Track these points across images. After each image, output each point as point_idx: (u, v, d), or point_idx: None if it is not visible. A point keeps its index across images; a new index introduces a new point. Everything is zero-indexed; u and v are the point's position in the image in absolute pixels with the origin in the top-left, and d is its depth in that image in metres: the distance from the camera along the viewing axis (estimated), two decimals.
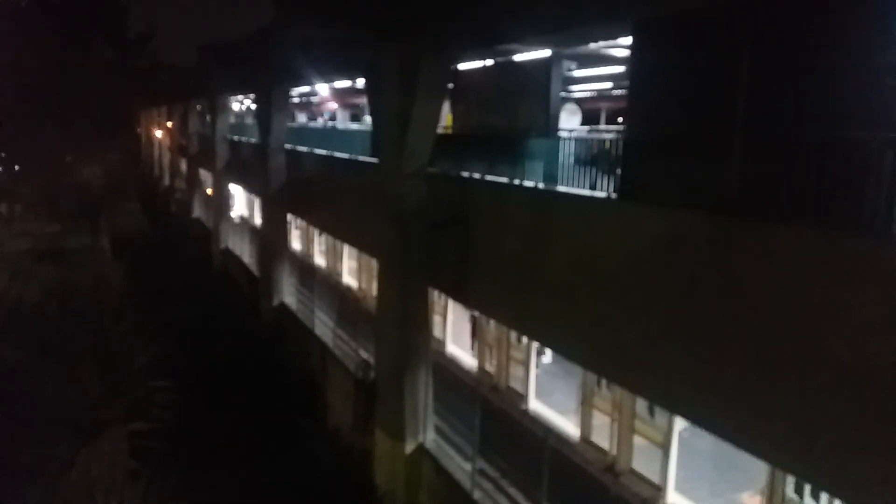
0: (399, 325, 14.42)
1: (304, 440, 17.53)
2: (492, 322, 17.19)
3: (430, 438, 14.51)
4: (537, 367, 16.49)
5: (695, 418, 9.00)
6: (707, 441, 9.50)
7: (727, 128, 8.17)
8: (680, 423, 11.62)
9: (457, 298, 15.98)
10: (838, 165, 7.01)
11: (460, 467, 13.36)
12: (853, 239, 6.65)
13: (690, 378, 8.49)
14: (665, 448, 12.17)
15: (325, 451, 17.16)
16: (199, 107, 46.43)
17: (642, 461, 12.79)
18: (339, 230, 22.77)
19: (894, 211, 6.47)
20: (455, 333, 19.97)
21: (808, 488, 10.25)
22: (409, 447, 14.33)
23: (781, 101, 7.80)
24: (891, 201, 6.47)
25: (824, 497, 9.78)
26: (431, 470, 13.92)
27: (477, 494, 12.38)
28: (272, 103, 25.04)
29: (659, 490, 12.16)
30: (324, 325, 21.72)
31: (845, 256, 6.70)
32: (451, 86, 15.67)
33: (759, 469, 10.85)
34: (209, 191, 42.26)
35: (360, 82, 22.97)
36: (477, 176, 13.65)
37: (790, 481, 10.25)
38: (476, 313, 17.88)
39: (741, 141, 8.04)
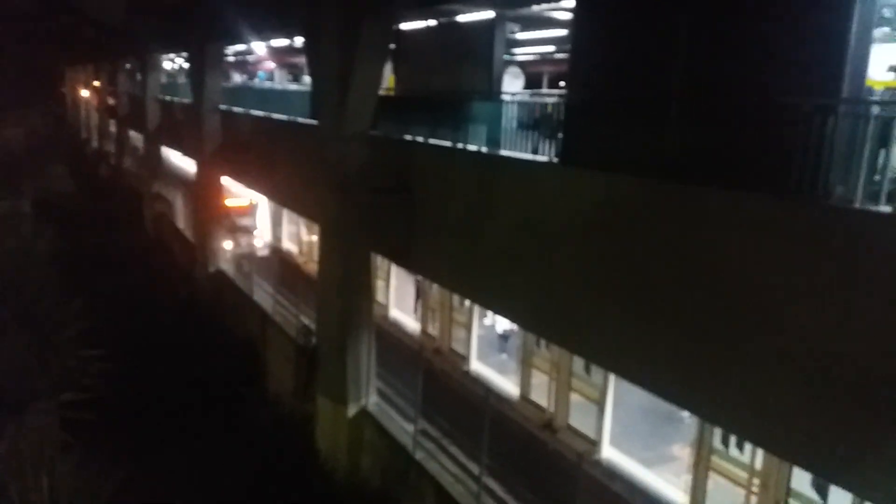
0: (341, 290, 14.33)
1: (243, 407, 17.35)
2: (434, 286, 17.28)
3: (372, 402, 14.58)
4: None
5: (629, 376, 9.30)
6: (641, 397, 9.86)
7: (665, 93, 8.32)
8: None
9: (400, 263, 15.96)
10: (770, 130, 7.23)
11: (403, 429, 13.50)
12: (784, 201, 6.90)
13: (626, 337, 8.75)
14: (600, 404, 12.60)
15: (266, 417, 17.05)
16: (128, 65, 44.28)
17: (579, 417, 13.22)
18: (279, 194, 22.30)
19: (821, 174, 6.74)
20: (398, 298, 20.00)
21: (733, 439, 10.82)
22: (352, 411, 14.38)
23: (718, 66, 7.97)
24: (818, 165, 6.73)
25: (748, 446, 10.34)
26: (374, 432, 14.02)
27: (419, 454, 12.56)
28: (205, 62, 24.11)
29: (594, 444, 12.62)
30: (263, 292, 21.39)
31: (776, 218, 6.96)
32: (393, 46, 15.40)
33: (689, 422, 11.37)
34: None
35: (299, 41, 22.32)
36: (420, 140, 13.54)
37: (717, 433, 10.78)
38: (419, 278, 17.93)
39: (679, 106, 8.20)
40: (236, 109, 24.68)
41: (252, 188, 24.95)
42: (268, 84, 35.19)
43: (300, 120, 18.92)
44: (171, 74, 44.20)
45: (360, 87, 13.31)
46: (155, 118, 34.55)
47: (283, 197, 21.99)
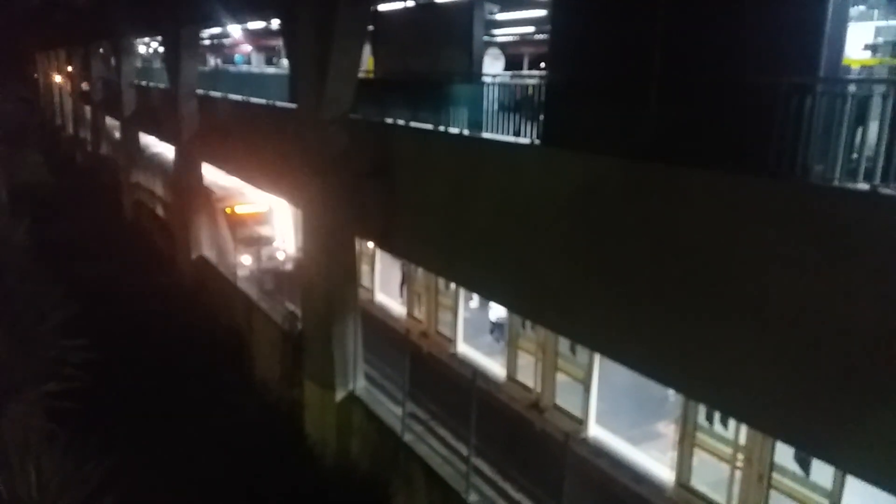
0: (325, 275, 14.28)
1: (230, 394, 17.32)
2: (420, 270, 17.28)
3: (360, 386, 14.61)
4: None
5: (614, 355, 9.41)
6: (626, 376, 9.96)
7: (645, 73, 8.31)
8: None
9: (384, 247, 15.91)
10: (749, 110, 7.26)
11: (391, 412, 13.56)
12: (763, 180, 6.96)
13: (610, 317, 8.82)
14: (586, 384, 12.73)
15: (253, 403, 17.05)
16: (101, 50, 43.42)
17: (565, 397, 13.35)
18: (260, 179, 22.08)
19: (798, 152, 6.79)
20: (383, 282, 19.99)
21: (717, 415, 10.98)
22: (340, 395, 14.41)
23: (696, 46, 7.97)
24: (797, 143, 6.78)
25: (732, 422, 10.50)
26: (362, 416, 14.08)
27: (408, 437, 12.63)
28: (181, 46, 23.68)
29: (581, 423, 12.76)
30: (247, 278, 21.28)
31: (753, 197, 7.02)
32: (371, 28, 15.23)
33: (673, 400, 11.53)
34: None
35: (276, 23, 22.01)
36: (401, 123, 13.46)
37: (701, 410, 10.94)
38: (404, 262, 17.91)
39: (658, 86, 8.20)
40: (214, 94, 24.34)
41: (232, 174, 24.65)
42: (245, 68, 34.74)
43: (279, 104, 18.72)
44: (147, 59, 43.43)
45: (339, 69, 13.17)
46: (131, 104, 33.98)
47: (264, 182, 21.78)
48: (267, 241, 23.15)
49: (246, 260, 21.76)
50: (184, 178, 25.38)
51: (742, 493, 10.17)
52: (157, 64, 37.56)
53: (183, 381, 17.88)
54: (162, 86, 28.72)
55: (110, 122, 42.52)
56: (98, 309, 21.37)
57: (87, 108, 48.49)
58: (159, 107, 29.05)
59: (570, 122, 9.53)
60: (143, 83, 34.08)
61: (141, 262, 27.77)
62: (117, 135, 38.61)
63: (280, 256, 23.17)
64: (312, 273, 14.77)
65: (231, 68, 35.05)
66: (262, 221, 23.95)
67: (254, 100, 20.80)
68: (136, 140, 34.97)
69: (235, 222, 23.41)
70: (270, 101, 19.45)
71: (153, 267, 27.29)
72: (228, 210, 23.77)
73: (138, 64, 37.72)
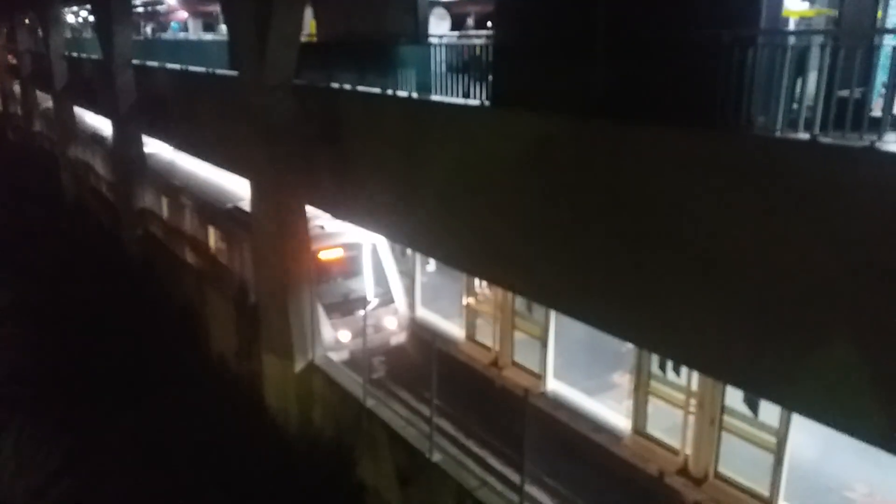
0: (277, 245, 14.07)
1: (187, 370, 17.09)
2: None
3: (319, 354, 14.57)
4: None
5: (569, 311, 9.58)
6: (581, 331, 10.18)
7: (590, 30, 8.30)
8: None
9: (335, 214, 15.71)
10: (693, 63, 7.34)
11: (352, 378, 13.59)
12: (704, 133, 7.08)
13: (564, 274, 8.95)
14: (543, 340, 12.98)
15: (211, 378, 16.88)
16: (27, 21, 41.16)
17: (523, 354, 13.59)
18: (204, 151, 21.47)
19: (741, 104, 6.92)
20: None
21: (669, 364, 11.35)
22: (299, 365, 14.35)
23: (639, 1, 8.00)
24: (738, 95, 6.90)
25: (684, 370, 10.88)
26: (323, 384, 14.07)
27: (370, 402, 12.70)
28: (112, 14, 22.60)
29: (539, 378, 13.04)
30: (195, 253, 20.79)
31: (698, 150, 7.15)
32: None
33: (626, 351, 11.85)
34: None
35: None
36: (348, 87, 13.20)
37: (655, 359, 11.28)
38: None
39: (604, 43, 8.20)
40: (151, 64, 23.39)
41: (174, 145, 23.90)
42: (182, 35, 33.44)
43: (220, 72, 18.12)
44: (77, 29, 41.40)
45: (281, 34, 12.77)
46: (62, 77, 32.39)
47: (209, 152, 21.20)
48: (363, 299, 14.53)
49: (344, 336, 14.83)
50: (124, 152, 24.48)
51: (696, 436, 10.59)
52: (89, 34, 35.84)
53: (137, 359, 17.55)
54: (95, 57, 27.44)
55: (42, 96, 40.59)
56: (42, 292, 20.73)
57: (17, 83, 46.12)
58: (93, 79, 27.81)
59: (518, 81, 9.49)
60: (75, 55, 32.51)
61: (85, 242, 26.88)
62: (51, 109, 36.87)
63: (390, 324, 15.35)
64: (264, 243, 14.54)
65: (167, 36, 33.68)
66: (353, 268, 15.69)
67: (193, 68, 20.06)
68: (71, 115, 33.48)
69: (320, 274, 15.17)
70: (211, 70, 18.81)
71: (98, 246, 26.45)
72: (320, 257, 15.27)
73: (68, 34, 35.89)
